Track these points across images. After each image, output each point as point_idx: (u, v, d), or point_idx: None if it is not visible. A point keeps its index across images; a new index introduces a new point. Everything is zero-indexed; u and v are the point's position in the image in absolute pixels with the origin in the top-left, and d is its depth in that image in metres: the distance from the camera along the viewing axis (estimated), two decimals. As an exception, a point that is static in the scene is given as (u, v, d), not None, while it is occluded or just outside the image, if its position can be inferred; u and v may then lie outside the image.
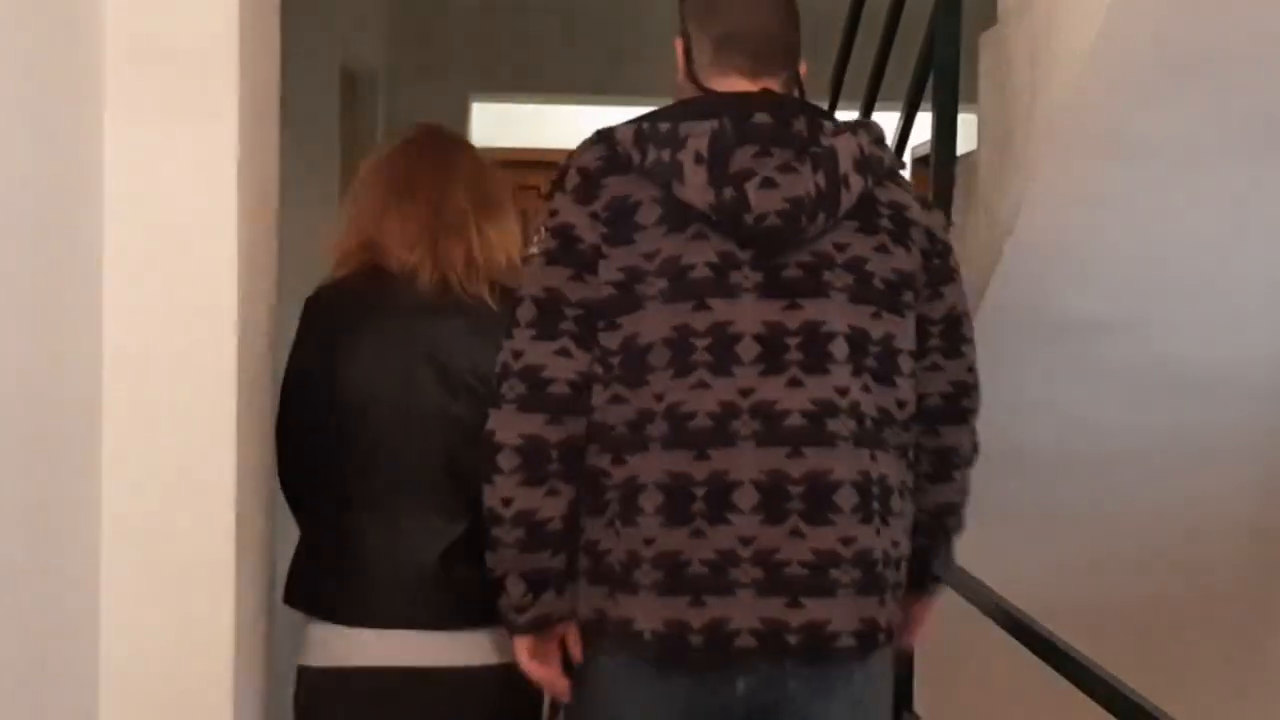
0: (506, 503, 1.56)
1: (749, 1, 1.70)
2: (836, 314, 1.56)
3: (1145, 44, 1.47)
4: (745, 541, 1.52)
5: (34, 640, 1.30)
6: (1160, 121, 1.59)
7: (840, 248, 1.58)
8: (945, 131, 2.15)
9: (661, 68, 5.47)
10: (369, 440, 1.78)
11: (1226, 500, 2.38)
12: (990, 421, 2.18)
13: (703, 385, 1.53)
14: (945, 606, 2.13)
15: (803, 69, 1.71)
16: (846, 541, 1.54)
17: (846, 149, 1.58)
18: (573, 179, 1.60)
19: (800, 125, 1.59)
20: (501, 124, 6.25)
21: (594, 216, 1.56)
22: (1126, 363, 2.04)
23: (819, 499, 1.54)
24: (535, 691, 1.72)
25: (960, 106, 2.15)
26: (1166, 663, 2.31)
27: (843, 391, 1.55)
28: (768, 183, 1.53)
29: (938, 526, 1.78)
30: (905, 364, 1.62)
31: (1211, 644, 2.64)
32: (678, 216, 1.54)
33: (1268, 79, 1.51)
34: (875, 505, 1.58)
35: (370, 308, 1.81)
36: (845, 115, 3.09)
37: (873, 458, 1.58)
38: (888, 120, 2.58)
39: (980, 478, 2.30)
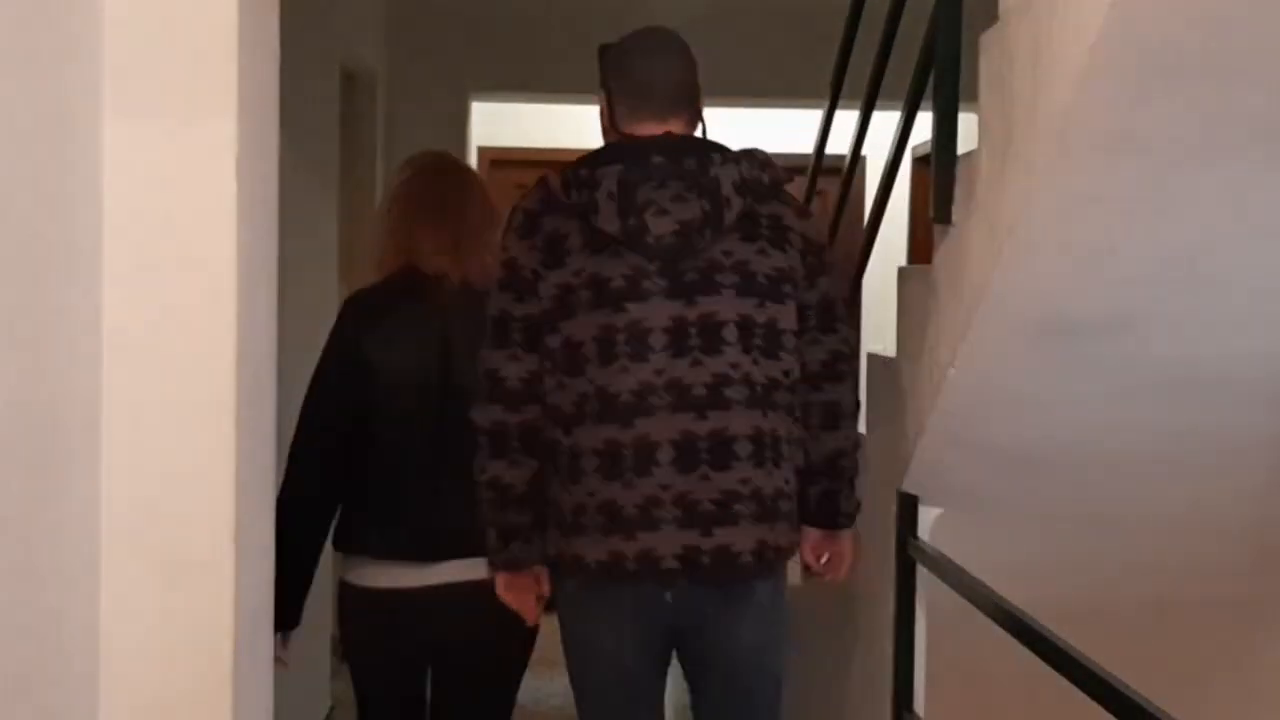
0: (481, 471, 2.08)
1: (653, 59, 2.19)
2: (727, 306, 2.02)
3: (1146, 44, 1.47)
4: (665, 488, 1.99)
5: (34, 640, 1.30)
6: (1161, 121, 1.58)
7: (727, 254, 2.04)
8: (945, 131, 2.15)
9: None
10: (412, 416, 2.32)
11: (1227, 500, 2.38)
12: (989, 421, 2.19)
13: (624, 370, 2.00)
14: (945, 606, 2.14)
15: (702, 106, 2.21)
16: (744, 482, 2.02)
17: (728, 176, 2.05)
18: (518, 218, 2.09)
19: (690, 162, 2.05)
20: (501, 124, 6.25)
21: (533, 247, 2.05)
22: (1126, 363, 2.04)
23: (722, 450, 2.00)
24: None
25: (960, 106, 2.15)
26: (1166, 663, 2.30)
27: (735, 366, 2.02)
28: (662, 211, 2.00)
29: (836, 470, 2.21)
30: (789, 341, 2.08)
31: (1211, 644, 2.64)
32: (597, 242, 2.01)
33: (1268, 79, 1.51)
34: (767, 453, 2.05)
35: (413, 303, 2.34)
36: (845, 115, 3.11)
37: (764, 415, 2.04)
38: (888, 120, 2.59)
39: (980, 477, 2.31)
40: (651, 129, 2.11)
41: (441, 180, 2.47)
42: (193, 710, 1.49)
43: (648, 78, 2.16)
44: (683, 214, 2.00)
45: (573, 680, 2.24)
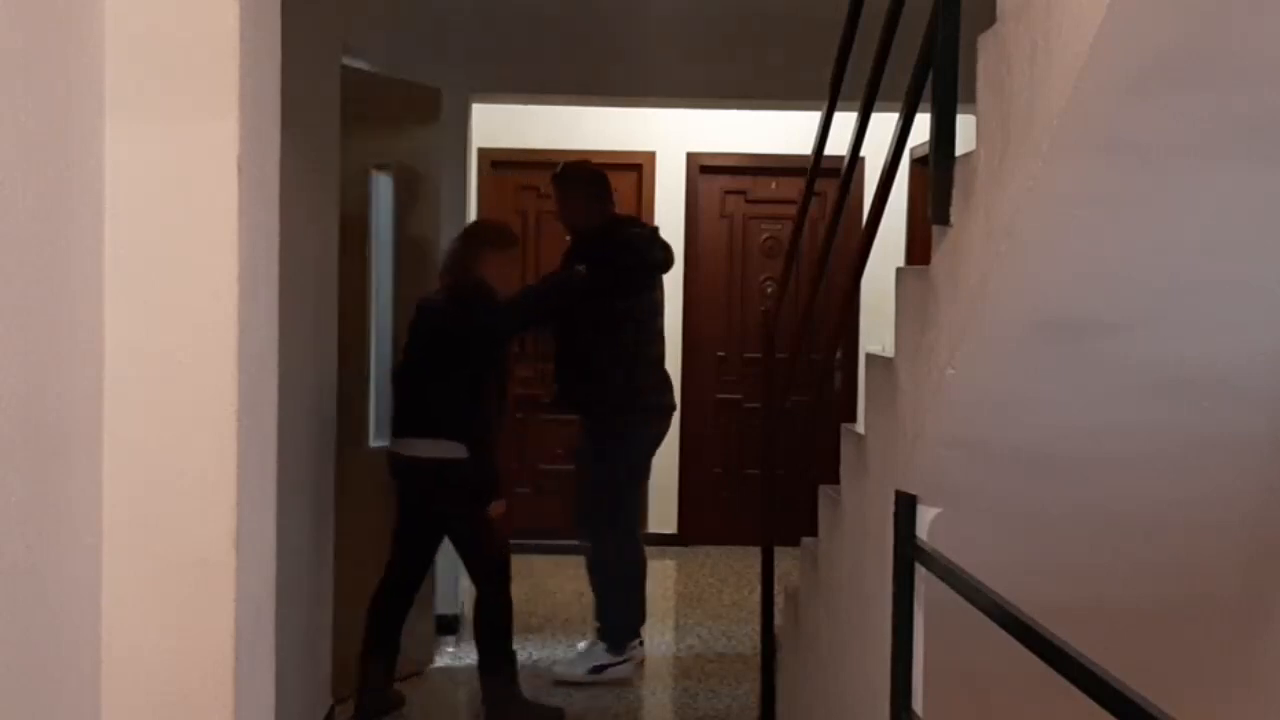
0: None
1: None
2: None
3: (1144, 44, 1.47)
4: None
5: (34, 640, 1.30)
6: (1159, 122, 1.59)
7: None
8: (944, 131, 2.15)
9: (654, 68, 5.50)
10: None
11: (1225, 499, 2.39)
12: (989, 421, 2.19)
13: None
14: (944, 606, 2.14)
15: None
16: None
17: None
18: None
19: None
20: (501, 124, 6.26)
21: None
22: (1126, 362, 2.05)
23: None
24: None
25: (960, 106, 2.16)
26: (1166, 662, 2.31)
27: None
28: None
29: None
30: None
31: (1210, 644, 2.64)
32: None
33: (1265, 79, 1.51)
34: None
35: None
36: (844, 116, 3.12)
37: None
38: (886, 121, 2.60)
39: (979, 477, 2.31)
40: None
41: (501, 227, 4.42)
42: (193, 710, 1.49)
43: None
44: None
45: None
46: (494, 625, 3.92)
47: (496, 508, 3.90)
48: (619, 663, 4.41)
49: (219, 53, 1.47)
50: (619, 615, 4.45)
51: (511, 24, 4.87)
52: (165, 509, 1.47)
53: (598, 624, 4.48)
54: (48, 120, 1.31)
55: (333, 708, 3.95)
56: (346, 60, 4.01)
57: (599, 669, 4.38)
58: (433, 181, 4.45)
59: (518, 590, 4.04)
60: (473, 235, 4.14)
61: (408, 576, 4.02)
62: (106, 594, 1.45)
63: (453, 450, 3.81)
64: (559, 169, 4.68)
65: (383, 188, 4.37)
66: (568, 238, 4.66)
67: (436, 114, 4.45)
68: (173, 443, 1.47)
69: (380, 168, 4.30)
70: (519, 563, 4.15)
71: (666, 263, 4.61)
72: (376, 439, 4.31)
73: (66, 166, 1.36)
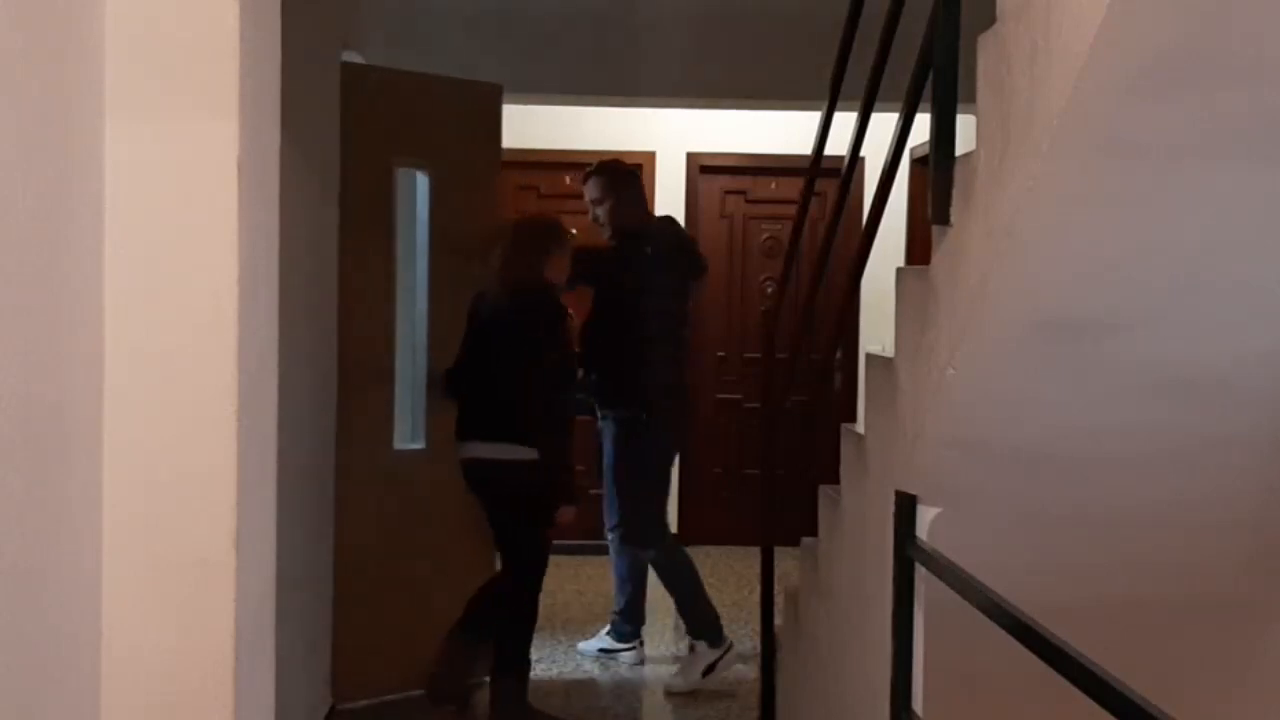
0: None
1: None
2: None
3: (1144, 44, 1.47)
4: None
5: (34, 640, 1.30)
6: (1160, 122, 1.59)
7: None
8: (944, 131, 2.15)
9: (654, 68, 5.48)
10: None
11: (1225, 500, 2.39)
12: (989, 421, 2.19)
13: None
14: (944, 606, 2.13)
15: None
16: None
17: None
18: None
19: None
20: (509, 126, 6.25)
21: None
22: (1126, 362, 2.05)
23: None
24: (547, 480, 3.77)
25: (959, 106, 2.16)
26: (1166, 663, 2.31)
27: None
28: None
29: None
30: None
31: (1210, 644, 2.64)
32: None
33: (1264, 80, 1.51)
34: None
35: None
36: (844, 116, 3.12)
37: None
38: (886, 121, 2.60)
39: (979, 477, 2.31)
40: None
41: (555, 222, 4.18)
42: (194, 710, 1.49)
43: None
44: None
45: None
46: (518, 630, 3.85)
47: (565, 513, 3.81)
48: (724, 654, 4.44)
49: (219, 53, 1.47)
50: (705, 610, 4.48)
51: (511, 25, 4.87)
52: (165, 509, 1.47)
53: (690, 627, 4.49)
54: (48, 120, 1.31)
55: (332, 708, 3.95)
56: (346, 57, 4.01)
57: (710, 668, 4.41)
58: (484, 179, 4.31)
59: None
60: (538, 236, 3.98)
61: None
62: (106, 594, 1.45)
63: (523, 453, 3.72)
64: (598, 168, 4.57)
65: (413, 185, 4.29)
66: (609, 239, 4.54)
67: (498, 110, 4.33)
68: (173, 443, 1.47)
69: (416, 166, 4.22)
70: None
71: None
72: (405, 441, 4.23)
73: (66, 166, 1.36)
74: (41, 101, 1.29)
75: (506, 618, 3.85)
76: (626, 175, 4.58)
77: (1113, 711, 1.42)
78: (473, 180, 4.26)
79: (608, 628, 4.77)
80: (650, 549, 4.51)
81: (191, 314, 1.48)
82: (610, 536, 4.63)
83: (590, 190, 4.52)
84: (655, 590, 4.71)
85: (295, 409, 3.18)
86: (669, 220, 4.79)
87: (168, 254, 1.47)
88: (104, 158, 1.44)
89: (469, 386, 3.87)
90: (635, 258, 4.40)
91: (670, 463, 4.63)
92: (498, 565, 4.02)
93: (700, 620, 4.47)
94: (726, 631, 4.51)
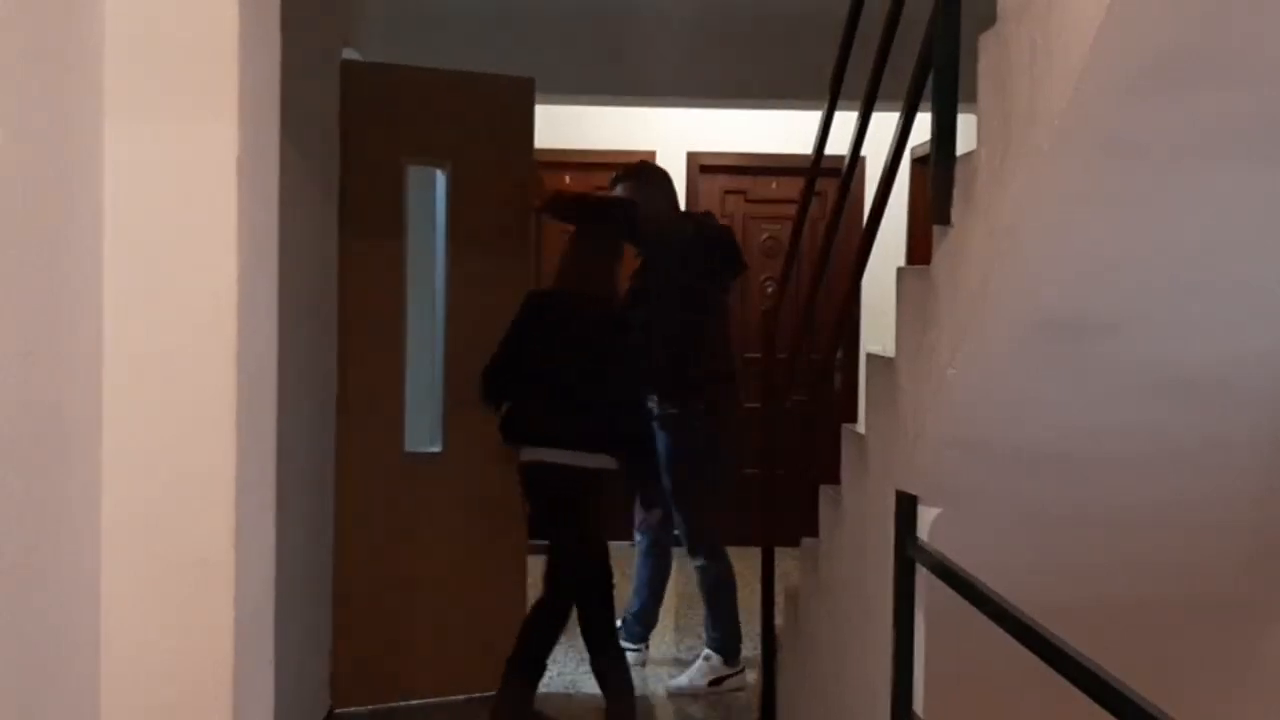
0: None
1: None
2: None
3: (1144, 44, 1.47)
4: None
5: (34, 640, 1.30)
6: (1160, 122, 1.59)
7: None
8: (945, 131, 2.15)
9: (654, 68, 5.46)
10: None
11: (1225, 500, 2.39)
12: (989, 421, 2.19)
13: None
14: (944, 606, 2.13)
15: None
16: None
17: None
18: None
19: None
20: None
21: None
22: (1126, 363, 2.05)
23: None
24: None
25: (960, 106, 2.16)
26: (1166, 663, 2.31)
27: None
28: None
29: None
30: None
31: (1210, 644, 2.64)
32: None
33: (1265, 80, 1.51)
34: None
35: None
36: (844, 116, 3.12)
37: None
38: (887, 121, 2.60)
39: (979, 477, 2.31)
40: None
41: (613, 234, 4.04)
42: (193, 710, 1.49)
43: None
44: None
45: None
46: (548, 633, 3.76)
47: (653, 516, 3.88)
48: (735, 673, 4.44)
49: (219, 53, 1.47)
50: (734, 628, 4.48)
51: (510, 24, 4.87)
52: (165, 509, 1.47)
53: (713, 639, 4.48)
54: (48, 120, 1.31)
55: (332, 708, 3.95)
56: (346, 55, 4.00)
57: (718, 681, 4.41)
58: (515, 175, 4.21)
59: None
60: (615, 244, 3.91)
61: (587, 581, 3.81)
62: (106, 594, 1.45)
63: (604, 461, 3.66)
64: (626, 172, 4.50)
65: (421, 182, 4.22)
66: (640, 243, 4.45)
67: (530, 104, 4.23)
68: (173, 443, 1.47)
69: (433, 163, 4.15)
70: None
71: None
72: (421, 444, 4.16)
73: (66, 166, 1.36)
74: (41, 101, 1.29)
75: (543, 620, 3.75)
76: (655, 177, 4.50)
77: (1113, 711, 1.42)
78: (502, 176, 4.14)
79: (618, 624, 4.74)
80: (708, 559, 4.47)
81: (191, 314, 1.48)
82: (638, 538, 4.61)
83: (620, 195, 4.45)
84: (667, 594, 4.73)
85: (295, 410, 3.18)
86: (707, 216, 4.73)
87: (168, 254, 1.47)
88: (104, 158, 1.44)
89: (530, 389, 3.71)
90: (669, 261, 4.32)
91: (728, 466, 4.53)
92: (525, 574, 4.00)
93: (726, 636, 4.46)
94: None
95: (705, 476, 4.40)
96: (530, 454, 3.69)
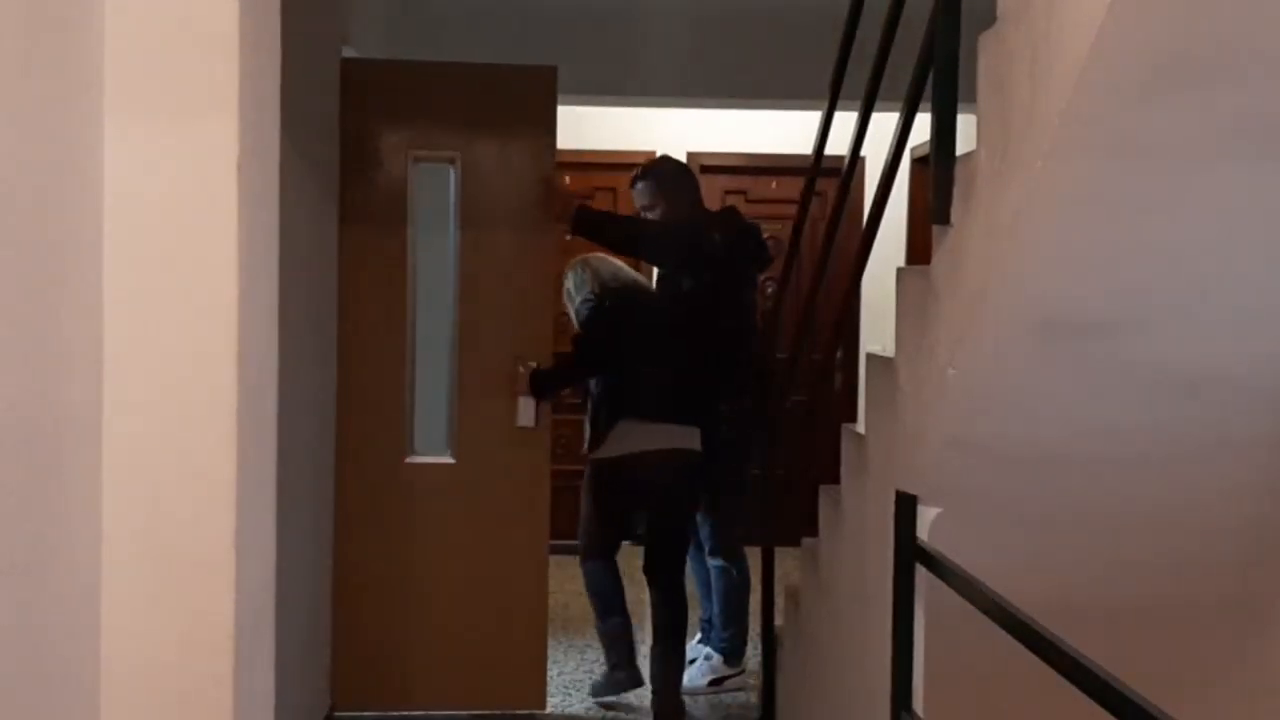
0: None
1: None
2: None
3: (1145, 44, 1.47)
4: None
5: (34, 640, 1.30)
6: (1160, 122, 1.59)
7: None
8: (945, 131, 2.15)
9: (654, 68, 5.44)
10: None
11: (1226, 500, 2.39)
12: (989, 421, 2.19)
13: None
14: (944, 606, 2.13)
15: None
16: None
17: None
18: None
19: None
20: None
21: None
22: (1126, 363, 2.04)
23: None
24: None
25: (960, 106, 2.16)
26: (1166, 663, 2.31)
27: None
28: None
29: None
30: None
31: (1211, 644, 2.64)
32: None
33: (1264, 80, 1.51)
34: None
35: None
36: (844, 116, 3.12)
37: None
38: (887, 121, 2.60)
39: (979, 477, 2.31)
40: None
41: None
42: (193, 710, 1.49)
43: None
44: None
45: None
46: (676, 625, 4.01)
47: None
48: (736, 674, 4.44)
49: (219, 53, 1.47)
50: (742, 631, 4.47)
51: (510, 24, 4.87)
52: (165, 509, 1.47)
53: (725, 637, 4.46)
54: (48, 120, 1.31)
55: (332, 709, 3.95)
56: (346, 53, 4.00)
57: (718, 681, 4.41)
58: (535, 167, 4.02)
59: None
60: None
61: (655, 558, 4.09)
62: (106, 594, 1.45)
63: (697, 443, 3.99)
64: (643, 171, 4.33)
65: (431, 179, 4.08)
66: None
67: (552, 94, 4.00)
68: (173, 443, 1.47)
69: (443, 159, 4.04)
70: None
71: None
72: (428, 451, 4.03)
73: (66, 166, 1.36)
74: (41, 101, 1.29)
75: (668, 615, 4.02)
76: (675, 173, 4.31)
77: (1112, 711, 1.42)
78: (522, 169, 4.00)
79: (707, 653, 4.55)
80: (731, 562, 4.43)
81: (192, 314, 1.48)
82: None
83: (639, 197, 4.26)
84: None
85: (296, 410, 3.18)
86: (731, 211, 4.47)
87: (168, 254, 1.47)
88: (104, 158, 1.44)
89: (637, 371, 3.99)
90: (698, 260, 4.14)
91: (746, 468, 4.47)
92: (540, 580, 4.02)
93: (734, 638, 4.45)
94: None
95: (735, 477, 4.35)
96: (632, 444, 3.95)
